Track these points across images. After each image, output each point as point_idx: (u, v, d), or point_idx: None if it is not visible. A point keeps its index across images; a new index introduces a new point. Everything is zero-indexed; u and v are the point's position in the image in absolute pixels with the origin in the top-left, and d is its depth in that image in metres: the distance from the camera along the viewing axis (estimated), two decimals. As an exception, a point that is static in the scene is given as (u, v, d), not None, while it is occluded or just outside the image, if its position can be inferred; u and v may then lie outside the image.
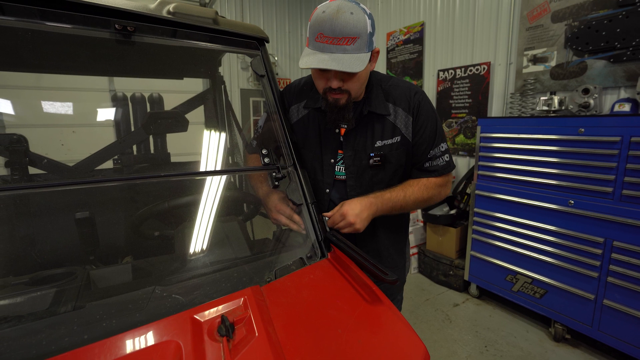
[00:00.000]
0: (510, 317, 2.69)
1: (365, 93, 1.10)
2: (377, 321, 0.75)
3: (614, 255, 2.02)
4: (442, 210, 3.34)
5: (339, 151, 1.12)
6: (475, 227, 2.82)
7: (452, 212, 3.24)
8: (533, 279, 2.44)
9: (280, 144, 1.09)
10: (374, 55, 1.00)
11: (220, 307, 0.68)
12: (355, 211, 0.97)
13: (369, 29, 0.90)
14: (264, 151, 1.03)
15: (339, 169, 1.13)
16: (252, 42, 1.19)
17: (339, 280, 0.86)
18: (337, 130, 1.12)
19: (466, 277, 2.96)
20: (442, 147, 1.12)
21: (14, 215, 0.96)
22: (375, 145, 1.09)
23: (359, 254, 0.85)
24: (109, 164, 1.73)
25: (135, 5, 0.99)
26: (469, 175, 3.23)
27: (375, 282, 0.85)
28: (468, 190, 3.15)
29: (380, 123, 1.09)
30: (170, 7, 1.07)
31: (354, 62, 0.88)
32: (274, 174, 1.00)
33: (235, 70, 5.13)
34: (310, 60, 0.90)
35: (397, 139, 1.09)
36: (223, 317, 0.63)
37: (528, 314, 2.66)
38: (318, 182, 1.15)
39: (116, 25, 0.96)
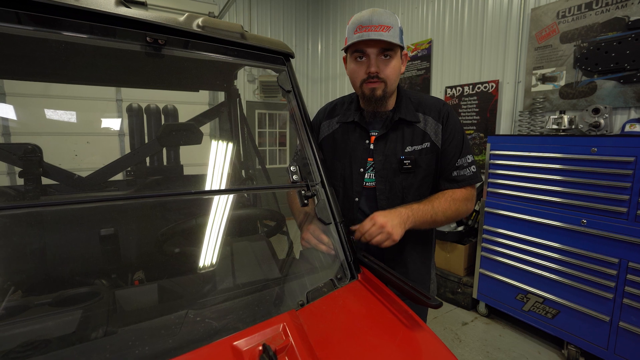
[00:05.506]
0: (521, 338, 2.63)
1: (395, 103, 1.16)
2: (419, 348, 0.71)
3: (629, 276, 1.99)
4: (450, 226, 3.31)
5: (369, 159, 1.15)
6: (484, 244, 2.79)
7: (460, 228, 3.21)
8: (545, 298, 2.39)
9: (308, 161, 1.07)
10: (404, 57, 1.11)
11: (259, 334, 0.64)
12: (394, 222, 0.95)
13: (399, 25, 1.04)
14: (292, 168, 1.01)
15: (369, 175, 1.15)
16: (278, 58, 1.18)
17: (374, 304, 0.83)
18: (366, 141, 1.16)
19: (475, 295, 2.92)
20: (469, 158, 1.15)
21: (31, 232, 0.93)
22: (406, 150, 1.12)
23: (396, 276, 0.83)
24: (121, 175, 1.71)
25: (166, 18, 0.98)
26: (478, 192, 3.21)
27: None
28: (477, 207, 3.13)
29: (410, 129, 1.13)
30: (199, 21, 1.06)
31: (390, 39, 0.99)
32: (302, 191, 0.98)
33: (241, 82, 5.16)
34: (353, 41, 1.00)
35: (427, 144, 1.12)
36: (265, 346, 0.59)
37: (539, 334, 2.61)
38: (347, 191, 1.17)
39: (147, 38, 0.95)
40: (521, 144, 2.50)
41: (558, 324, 2.34)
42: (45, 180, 1.46)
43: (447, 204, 1.08)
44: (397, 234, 0.94)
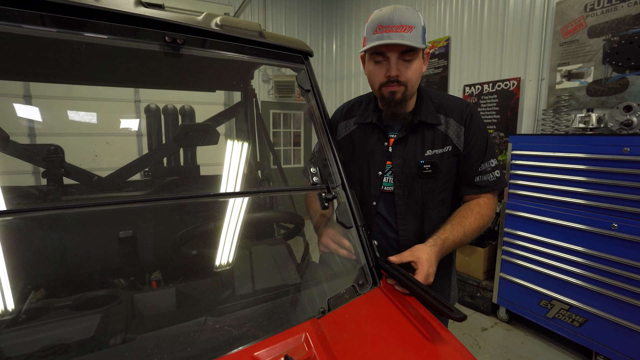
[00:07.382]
0: (544, 346, 2.52)
1: (415, 104, 1.11)
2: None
3: (666, 284, 1.87)
4: (469, 228, 3.22)
5: (387, 162, 1.10)
6: (505, 247, 2.69)
7: (480, 231, 3.11)
8: (571, 305, 2.29)
9: (328, 162, 1.04)
10: (426, 55, 1.05)
11: (280, 344, 0.61)
12: (433, 269, 0.91)
13: (422, 23, 0.97)
14: (312, 169, 0.98)
15: (387, 179, 1.11)
16: (297, 56, 1.15)
17: (398, 313, 0.79)
18: (385, 143, 1.11)
19: (494, 300, 2.82)
20: (493, 162, 1.09)
21: (51, 234, 0.93)
22: (426, 154, 1.06)
23: (420, 286, 0.78)
24: (138, 175, 1.72)
25: (185, 17, 0.97)
26: (498, 194, 3.11)
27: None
28: (497, 209, 3.03)
29: (430, 132, 1.08)
30: (217, 20, 1.05)
31: (412, 42, 0.93)
32: (323, 194, 0.95)
33: (256, 82, 5.18)
34: (372, 43, 0.94)
35: (449, 148, 1.07)
36: (288, 358, 0.57)
37: (564, 343, 2.50)
38: (365, 194, 1.13)
39: (166, 38, 0.94)
40: (545, 144, 2.40)
41: (586, 333, 2.23)
42: (66, 180, 1.48)
43: (477, 222, 1.03)
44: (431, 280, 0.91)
